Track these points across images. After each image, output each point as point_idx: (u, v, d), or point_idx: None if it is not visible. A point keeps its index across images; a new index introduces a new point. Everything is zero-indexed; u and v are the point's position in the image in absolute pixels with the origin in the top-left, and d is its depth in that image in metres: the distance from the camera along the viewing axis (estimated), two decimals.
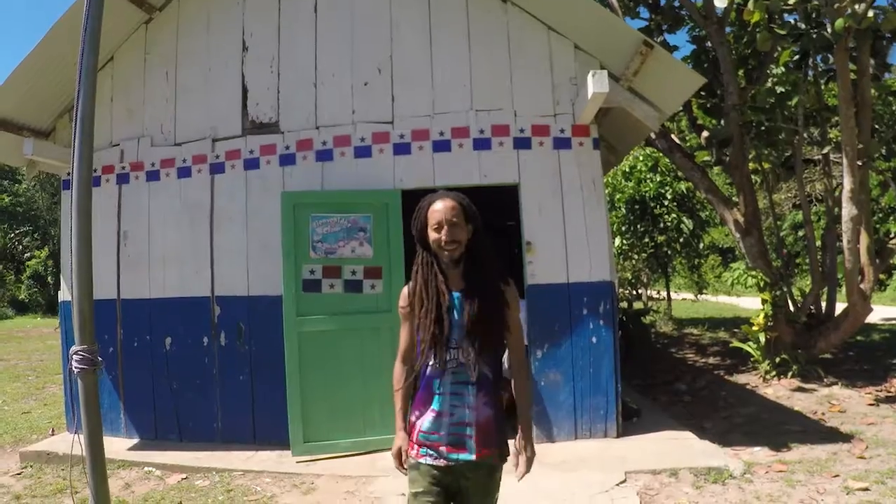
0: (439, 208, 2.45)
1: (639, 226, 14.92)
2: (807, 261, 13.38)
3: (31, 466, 5.99)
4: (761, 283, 8.68)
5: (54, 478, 5.64)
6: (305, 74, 6.37)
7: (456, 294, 2.46)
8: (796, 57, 8.94)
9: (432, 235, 2.44)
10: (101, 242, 6.37)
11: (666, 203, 14.72)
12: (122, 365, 6.54)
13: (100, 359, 2.53)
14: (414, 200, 6.56)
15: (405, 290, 2.56)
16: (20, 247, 35.27)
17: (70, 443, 2.72)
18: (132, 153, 6.67)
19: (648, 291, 19.67)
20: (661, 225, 14.83)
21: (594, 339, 5.95)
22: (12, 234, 35.20)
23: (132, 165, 6.65)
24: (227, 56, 6.54)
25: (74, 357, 2.48)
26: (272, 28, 6.49)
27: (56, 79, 6.19)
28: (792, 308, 9.38)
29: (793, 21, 8.27)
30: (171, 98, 6.65)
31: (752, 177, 10.06)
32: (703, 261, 18.90)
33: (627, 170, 15.03)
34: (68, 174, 6.50)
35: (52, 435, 7.00)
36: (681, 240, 15.01)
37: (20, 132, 6.41)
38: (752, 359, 9.07)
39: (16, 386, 10.79)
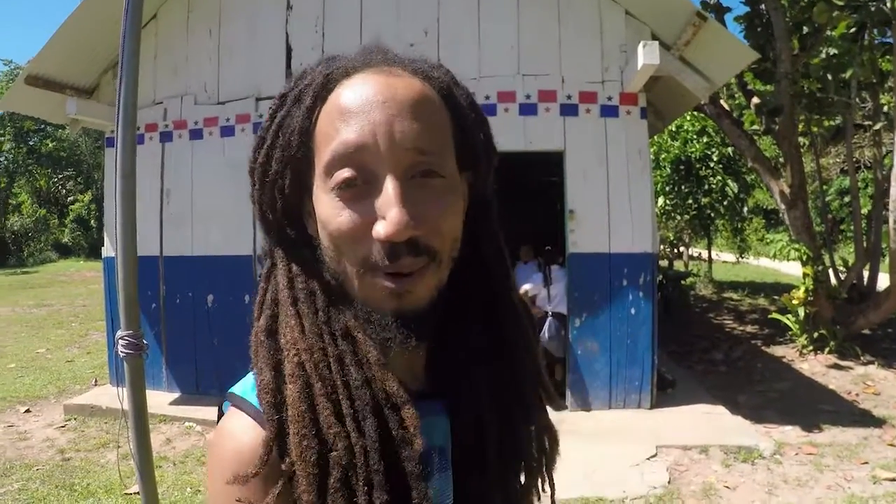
0: (371, 99, 0.73)
1: (683, 186, 14.66)
2: (851, 227, 13.13)
3: (74, 419, 6.16)
4: (804, 258, 8.52)
5: (98, 431, 5.80)
6: (350, 35, 6.29)
7: (433, 416, 0.81)
8: (853, 29, 8.63)
9: (332, 216, 0.73)
10: (144, 200, 6.45)
11: (711, 165, 14.46)
12: (165, 321, 6.66)
13: (145, 342, 2.55)
14: None
15: (244, 434, 0.76)
16: (64, 191, 35.93)
17: (112, 396, 2.78)
18: (175, 111, 6.69)
19: (689, 251, 19.45)
20: (706, 187, 14.58)
21: (633, 311, 5.92)
22: (56, 179, 35.85)
23: (175, 124, 6.68)
24: (271, 14, 6.48)
25: (120, 342, 2.50)
26: None
27: (99, 36, 6.18)
28: (834, 280, 9.22)
29: None
30: (214, 56, 6.63)
31: (800, 139, 9.82)
32: (746, 224, 18.57)
33: (674, 129, 14.74)
34: (112, 132, 6.57)
35: (95, 385, 7.19)
36: (725, 202, 14.76)
37: (63, 91, 6.45)
38: (790, 332, 8.96)
39: (59, 333, 11.06)
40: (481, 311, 0.86)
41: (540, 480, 0.94)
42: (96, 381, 7.42)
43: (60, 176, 35.89)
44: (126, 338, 2.53)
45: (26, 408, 6.61)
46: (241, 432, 0.75)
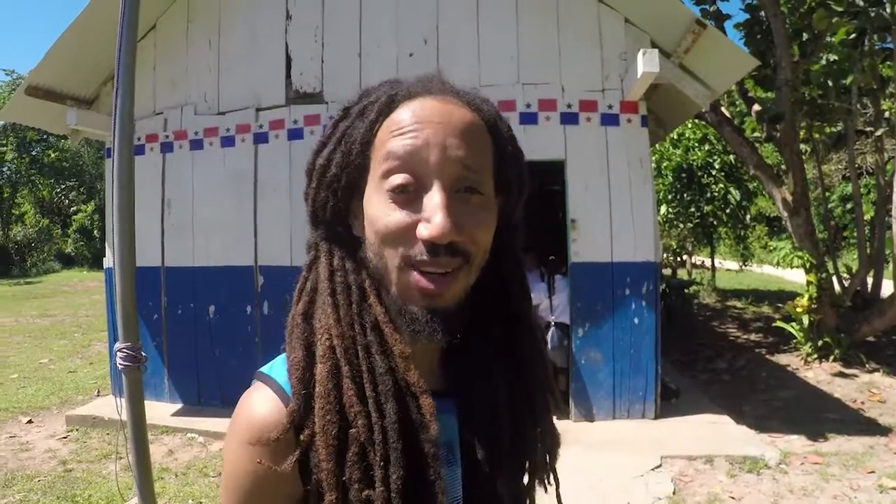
0: (428, 119, 0.83)
1: (685, 194, 14.67)
2: (854, 234, 13.10)
3: (76, 430, 6.14)
4: (807, 265, 8.49)
5: (100, 442, 5.78)
6: (350, 44, 6.29)
7: (443, 413, 0.88)
8: (853, 35, 8.63)
9: (384, 215, 0.83)
10: (145, 210, 6.46)
11: (713, 173, 14.45)
12: (167, 331, 6.64)
13: (143, 354, 2.54)
14: None
15: (264, 405, 0.86)
16: (66, 201, 36.03)
17: (115, 406, 2.76)
18: (176, 122, 6.69)
19: (692, 260, 19.42)
20: (708, 195, 14.57)
21: (636, 320, 5.89)
22: (59, 189, 35.94)
23: (175, 134, 6.67)
24: (271, 24, 6.48)
25: (119, 354, 2.49)
26: None
27: (100, 46, 6.17)
28: (837, 288, 9.18)
29: None
30: (214, 66, 6.62)
31: (802, 146, 9.80)
32: (749, 232, 18.54)
33: (675, 137, 14.74)
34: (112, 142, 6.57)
35: (98, 396, 7.17)
36: (727, 210, 14.74)
37: (63, 101, 6.45)
38: (794, 340, 8.92)
39: (62, 343, 11.05)
40: (499, 320, 0.96)
41: (544, 476, 1.03)
42: (99, 391, 7.41)
43: (63, 186, 36.00)
44: (124, 350, 2.52)
45: (28, 418, 6.59)
46: (262, 403, 0.86)
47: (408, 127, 0.82)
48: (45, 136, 32.63)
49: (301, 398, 0.82)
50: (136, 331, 2.53)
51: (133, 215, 2.57)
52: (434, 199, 0.79)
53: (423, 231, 0.79)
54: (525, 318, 0.98)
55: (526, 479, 1.02)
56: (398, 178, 0.81)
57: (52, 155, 34.87)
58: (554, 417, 1.04)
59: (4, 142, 32.61)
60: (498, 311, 0.95)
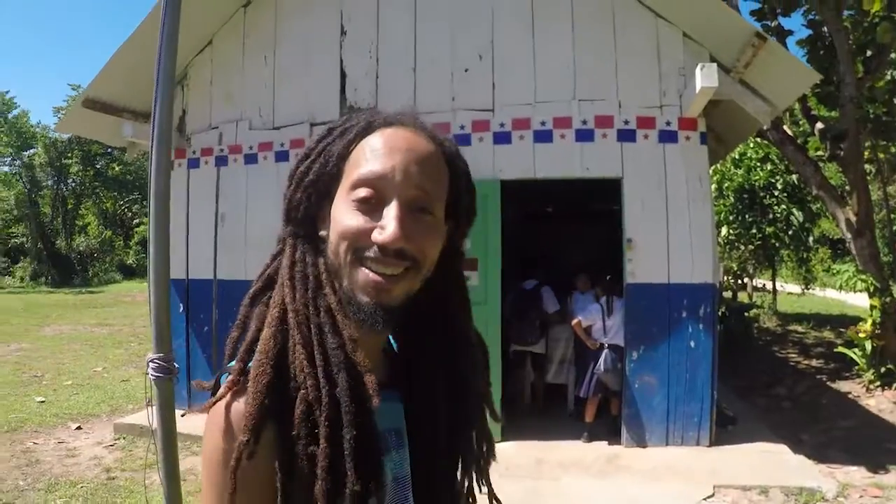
0: (397, 146, 0.96)
1: (747, 216, 14.33)
2: None
3: (123, 438, 6.21)
4: (871, 289, 8.19)
5: (145, 451, 5.79)
6: (404, 60, 6.28)
7: (389, 402, 1.03)
8: None
9: (347, 219, 0.94)
10: (199, 223, 6.54)
11: (776, 193, 14.09)
12: (217, 345, 6.68)
13: (175, 366, 2.52)
14: (511, 192, 6.57)
15: (233, 405, 0.91)
16: (129, 213, 37.04)
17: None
18: (231, 136, 6.77)
19: (753, 283, 18.94)
20: (770, 216, 14.21)
21: (692, 344, 5.71)
22: (122, 202, 36.97)
23: (230, 148, 6.75)
24: (326, 40, 6.52)
25: (151, 365, 2.48)
26: (371, 12, 6.42)
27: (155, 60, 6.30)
28: None
29: None
30: (269, 82, 6.68)
31: (866, 166, 9.48)
32: (812, 254, 18.00)
33: (737, 157, 14.43)
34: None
35: (148, 406, 7.23)
36: (790, 232, 14.34)
37: (120, 114, 6.58)
38: (856, 366, 8.59)
39: (118, 353, 11.27)
40: (441, 331, 1.08)
41: (479, 476, 1.16)
42: (149, 401, 7.46)
43: (127, 199, 37.01)
44: (156, 360, 2.50)
45: (78, 425, 6.71)
46: (234, 402, 0.92)
47: (380, 150, 0.95)
48: (109, 150, 33.64)
49: (244, 362, 0.94)
50: (169, 342, 2.52)
51: (167, 226, 2.56)
52: (391, 212, 0.92)
53: (378, 235, 0.91)
54: (464, 331, 1.10)
55: (465, 475, 1.14)
56: (363, 191, 0.93)
57: (117, 168, 35.93)
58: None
59: (70, 155, 33.68)
60: (441, 324, 1.08)
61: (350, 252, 0.93)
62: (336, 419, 0.88)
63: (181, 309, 6.82)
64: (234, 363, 0.95)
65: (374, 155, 0.95)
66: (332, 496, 0.86)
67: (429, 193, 0.95)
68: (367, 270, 0.92)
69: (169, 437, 2.62)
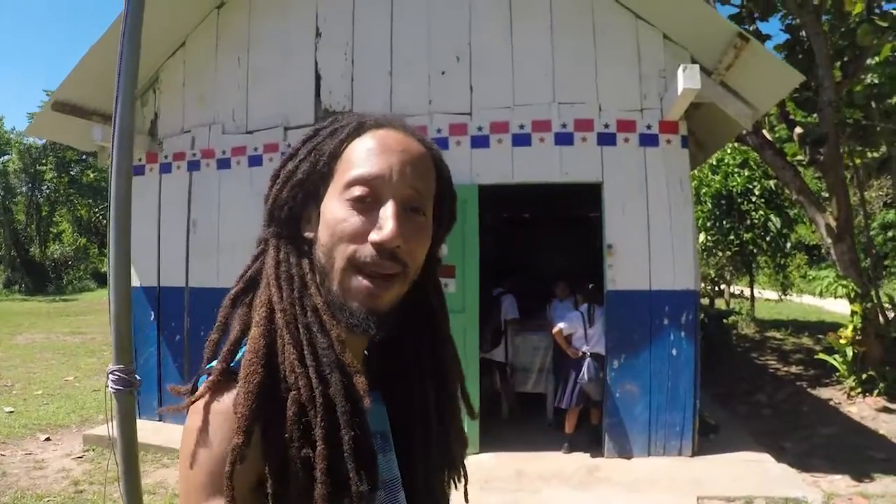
0: (391, 147, 0.96)
1: (724, 222, 14.39)
2: None
3: (93, 450, 6.03)
4: (852, 294, 8.16)
5: (114, 464, 5.62)
6: (380, 62, 6.17)
7: (377, 402, 1.04)
8: None
9: (342, 218, 0.92)
10: (171, 230, 6.38)
11: (754, 199, 14.14)
12: (189, 354, 6.50)
13: (137, 378, 2.40)
14: (489, 197, 6.48)
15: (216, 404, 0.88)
16: (104, 221, 36.58)
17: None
18: (203, 140, 6.61)
19: (731, 289, 18.99)
20: (748, 222, 14.26)
21: (674, 351, 5.62)
22: (97, 209, 36.53)
23: (203, 153, 6.59)
24: (300, 42, 6.38)
25: (110, 377, 2.35)
26: (346, 13, 6.30)
27: None
28: (881, 319, 8.81)
29: (894, 12, 7.69)
30: (242, 84, 6.54)
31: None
32: (789, 260, 18.08)
33: (715, 163, 14.47)
34: (139, 160, 6.50)
35: (109, 420, 7.05)
36: (767, 238, 14.40)
37: (90, 117, 6.41)
38: (836, 373, 8.56)
39: (90, 361, 11.05)
40: (422, 333, 1.08)
41: (454, 474, 1.15)
42: (111, 414, 7.28)
43: (101, 206, 36.57)
44: (116, 372, 2.39)
45: (47, 436, 6.53)
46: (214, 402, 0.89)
47: (375, 150, 0.95)
48: (84, 157, 33.20)
49: (228, 360, 0.91)
50: (129, 354, 2.41)
51: (129, 231, 2.44)
52: (388, 211, 0.91)
53: (375, 235, 0.90)
54: (443, 332, 1.10)
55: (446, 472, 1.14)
56: (359, 190, 0.92)
57: (91, 175, 35.48)
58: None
59: (44, 161, 33.24)
60: (421, 325, 1.07)
61: (343, 257, 0.92)
62: (332, 420, 0.86)
63: (152, 317, 6.65)
64: (215, 364, 0.91)
65: (369, 154, 0.95)
66: (333, 499, 0.84)
67: (421, 194, 0.96)
68: (360, 277, 0.91)
69: (130, 451, 2.50)
